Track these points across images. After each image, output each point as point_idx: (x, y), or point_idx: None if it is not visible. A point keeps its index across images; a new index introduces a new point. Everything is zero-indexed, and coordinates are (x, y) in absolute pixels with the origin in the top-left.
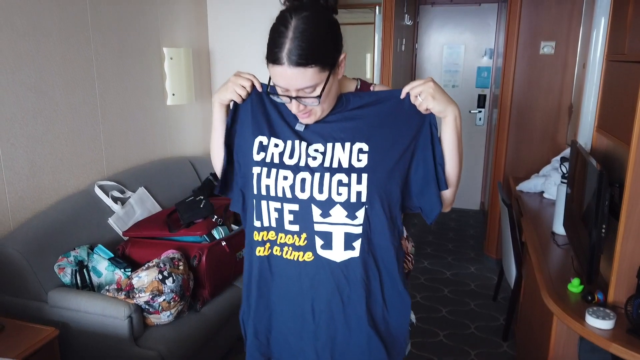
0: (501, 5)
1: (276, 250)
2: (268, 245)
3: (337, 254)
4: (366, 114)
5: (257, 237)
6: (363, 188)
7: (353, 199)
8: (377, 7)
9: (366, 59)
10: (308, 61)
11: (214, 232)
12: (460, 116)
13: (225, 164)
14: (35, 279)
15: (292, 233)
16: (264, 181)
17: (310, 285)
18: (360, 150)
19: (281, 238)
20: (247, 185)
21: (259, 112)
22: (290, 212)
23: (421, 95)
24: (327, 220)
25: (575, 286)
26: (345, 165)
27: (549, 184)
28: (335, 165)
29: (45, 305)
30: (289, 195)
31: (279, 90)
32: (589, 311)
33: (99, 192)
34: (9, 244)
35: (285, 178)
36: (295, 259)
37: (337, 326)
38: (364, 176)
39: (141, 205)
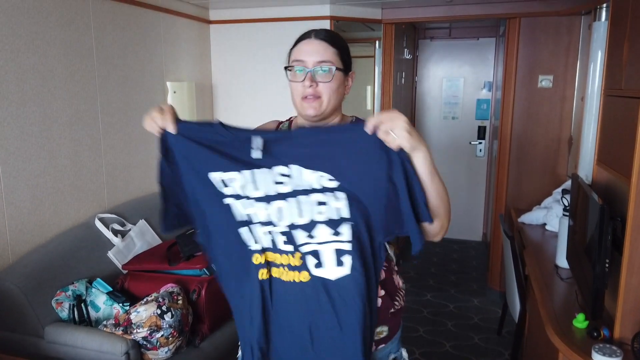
0: (499, 39)
1: (275, 272)
2: (267, 268)
3: (330, 271)
4: (324, 150)
5: (257, 260)
6: (342, 205)
7: (334, 216)
8: (377, 42)
9: (367, 91)
10: (332, 42)
11: (214, 265)
12: (430, 153)
13: (165, 203)
14: (32, 314)
15: (287, 252)
16: (246, 210)
17: (307, 308)
18: (323, 177)
19: (276, 259)
20: (222, 217)
21: (199, 151)
22: (282, 233)
23: (394, 131)
24: (314, 240)
25: (580, 322)
26: (317, 186)
27: (551, 216)
28: (307, 187)
29: (42, 341)
30: (274, 221)
31: (298, 65)
32: (595, 348)
33: (99, 224)
34: (8, 278)
35: (265, 207)
36: (292, 280)
37: (336, 353)
38: (340, 194)
39: (141, 237)
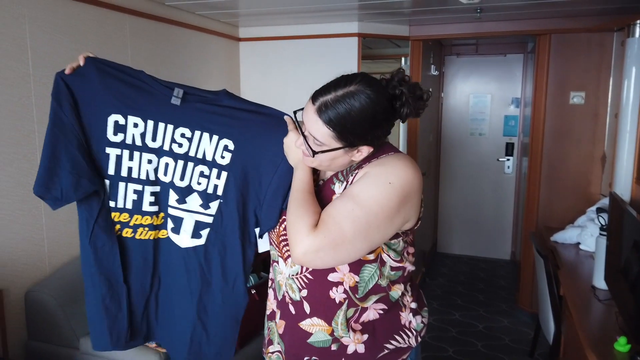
0: (527, 56)
1: (127, 232)
2: (118, 227)
3: (183, 240)
4: (243, 117)
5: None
6: (221, 183)
7: (210, 190)
8: (402, 58)
9: None
10: (330, 123)
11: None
12: (301, 179)
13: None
14: (68, 325)
15: (151, 214)
16: (126, 163)
17: (154, 261)
18: (226, 148)
19: (137, 220)
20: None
21: (108, 87)
22: (152, 194)
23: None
24: (182, 206)
25: (622, 345)
26: (209, 158)
27: (585, 235)
28: (199, 156)
29: (77, 352)
30: (152, 177)
31: (301, 118)
32: None
33: None
34: (45, 289)
35: (149, 162)
36: (150, 237)
37: (173, 307)
38: (224, 174)
39: None
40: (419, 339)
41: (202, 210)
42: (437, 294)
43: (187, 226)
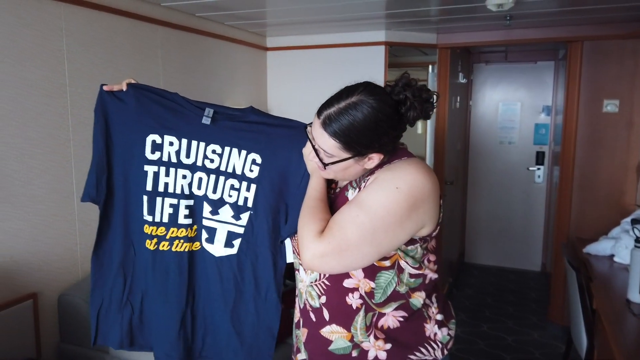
0: (558, 63)
1: (163, 246)
2: (155, 240)
3: (217, 249)
4: (268, 132)
5: (147, 230)
6: (250, 195)
7: (240, 202)
8: (430, 66)
9: None
10: (336, 135)
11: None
12: (314, 187)
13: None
14: None
15: (186, 226)
16: (163, 179)
17: (189, 274)
18: (254, 162)
19: (172, 232)
20: (130, 181)
21: (147, 110)
22: (186, 207)
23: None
24: (215, 217)
25: None
26: (238, 172)
27: (620, 247)
28: (230, 170)
29: (107, 355)
30: (186, 192)
31: (309, 133)
32: None
33: None
34: (77, 293)
35: (184, 177)
36: (185, 249)
37: (206, 317)
38: (253, 186)
39: None
40: (445, 351)
41: (233, 221)
42: (465, 305)
43: (220, 236)
